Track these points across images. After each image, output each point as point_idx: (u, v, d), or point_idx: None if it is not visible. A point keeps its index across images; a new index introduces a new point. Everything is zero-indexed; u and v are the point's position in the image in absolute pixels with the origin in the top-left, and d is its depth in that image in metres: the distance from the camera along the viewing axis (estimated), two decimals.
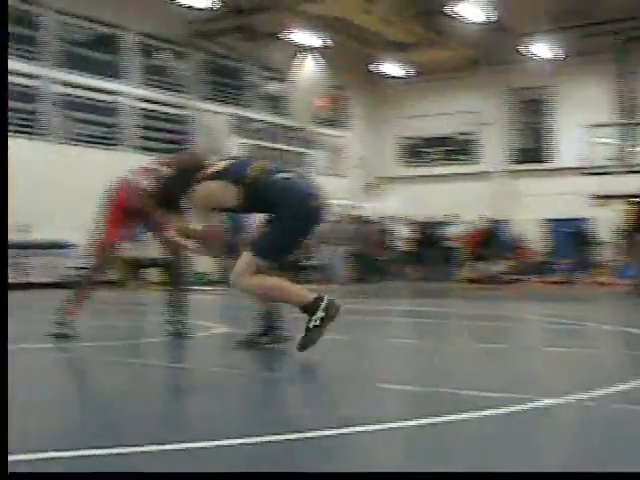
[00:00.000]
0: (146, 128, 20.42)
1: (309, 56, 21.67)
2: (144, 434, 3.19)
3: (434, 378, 4.74)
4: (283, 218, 5.34)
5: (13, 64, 17.69)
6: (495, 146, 26.00)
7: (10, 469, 2.45)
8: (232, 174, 5.41)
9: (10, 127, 17.55)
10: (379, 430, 3.18)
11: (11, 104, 17.68)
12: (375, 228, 23.33)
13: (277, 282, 5.34)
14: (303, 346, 5.18)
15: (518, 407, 3.59)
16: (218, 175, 5.43)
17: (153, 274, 15.82)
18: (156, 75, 20.86)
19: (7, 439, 2.50)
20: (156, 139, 20.30)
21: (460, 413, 3.43)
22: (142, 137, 20.14)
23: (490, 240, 21.64)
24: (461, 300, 15.15)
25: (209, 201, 5.44)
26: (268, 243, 5.36)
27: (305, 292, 5.33)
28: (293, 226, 5.36)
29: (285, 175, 5.44)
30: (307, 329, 5.17)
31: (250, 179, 5.34)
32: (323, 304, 5.18)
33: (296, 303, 5.27)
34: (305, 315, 5.22)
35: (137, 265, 16.61)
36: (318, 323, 5.15)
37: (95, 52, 19.51)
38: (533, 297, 15.84)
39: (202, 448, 2.88)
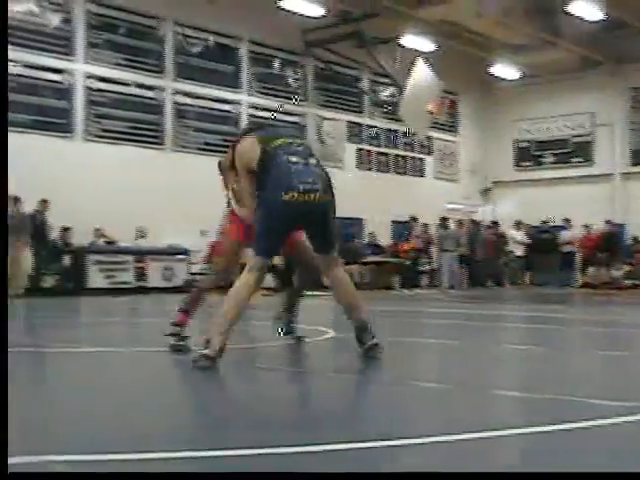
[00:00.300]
0: None
1: (421, 61, 21.64)
2: (270, 436, 3.26)
3: (550, 385, 4.71)
4: (260, 203, 5.21)
5: (139, 77, 18.43)
6: (612, 148, 25.33)
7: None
8: (263, 136, 5.36)
9: (137, 138, 18.27)
10: (496, 437, 3.21)
11: (137, 116, 18.42)
12: (489, 232, 23.13)
13: (240, 299, 5.11)
14: (196, 361, 4.97)
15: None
16: (254, 134, 5.41)
17: (269, 279, 16.14)
18: (272, 83, 21.26)
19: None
20: None
21: (583, 421, 3.43)
22: None
23: (608, 244, 21.16)
24: (578, 306, 14.91)
25: (242, 159, 5.37)
26: (258, 239, 5.22)
27: (230, 335, 5.04)
28: (265, 213, 5.15)
29: (293, 159, 5.16)
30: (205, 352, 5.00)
31: (269, 148, 5.22)
32: (215, 348, 4.93)
33: (219, 324, 5.06)
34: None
35: None
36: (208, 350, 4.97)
37: (213, 62, 20.02)
38: None
39: (335, 450, 2.95)
